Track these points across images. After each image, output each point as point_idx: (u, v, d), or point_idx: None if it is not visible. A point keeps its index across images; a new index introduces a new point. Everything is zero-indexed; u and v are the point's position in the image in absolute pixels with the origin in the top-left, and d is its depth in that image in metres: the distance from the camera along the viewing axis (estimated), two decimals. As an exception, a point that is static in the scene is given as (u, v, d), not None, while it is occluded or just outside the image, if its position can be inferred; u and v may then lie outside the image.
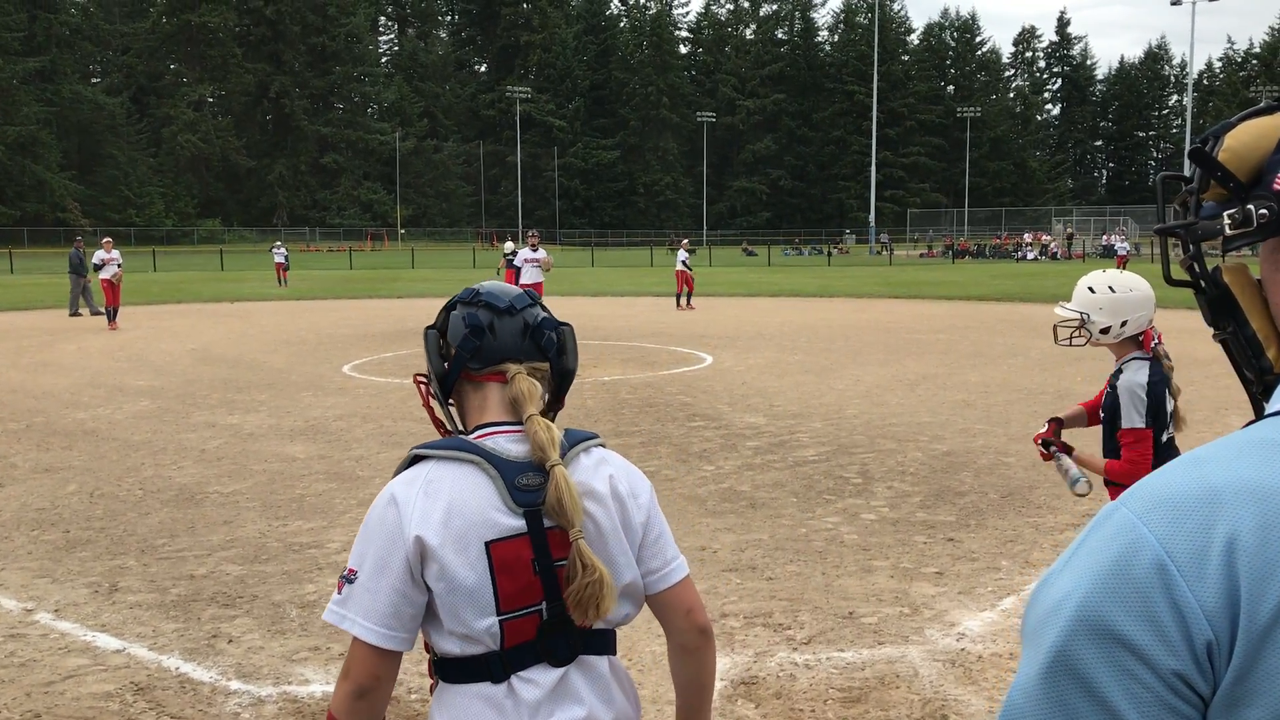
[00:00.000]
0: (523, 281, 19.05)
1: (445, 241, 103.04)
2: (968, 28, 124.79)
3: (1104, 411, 4.08)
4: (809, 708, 4.50)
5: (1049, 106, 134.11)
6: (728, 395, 12.89)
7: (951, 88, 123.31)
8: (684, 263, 27.84)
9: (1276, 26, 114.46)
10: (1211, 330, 1.07)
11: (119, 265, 23.65)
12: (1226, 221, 1.00)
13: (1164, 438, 4.01)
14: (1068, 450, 4.09)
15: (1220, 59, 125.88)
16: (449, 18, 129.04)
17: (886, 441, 10.00)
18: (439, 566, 1.77)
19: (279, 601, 5.84)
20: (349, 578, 1.82)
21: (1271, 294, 1.01)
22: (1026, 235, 74.49)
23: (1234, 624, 0.80)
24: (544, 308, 2.11)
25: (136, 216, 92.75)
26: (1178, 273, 1.12)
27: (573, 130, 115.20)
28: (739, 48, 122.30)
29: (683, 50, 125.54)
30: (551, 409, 2.09)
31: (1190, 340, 18.43)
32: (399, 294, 34.77)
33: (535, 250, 19.41)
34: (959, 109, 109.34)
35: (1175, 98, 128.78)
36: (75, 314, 26.09)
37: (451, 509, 1.79)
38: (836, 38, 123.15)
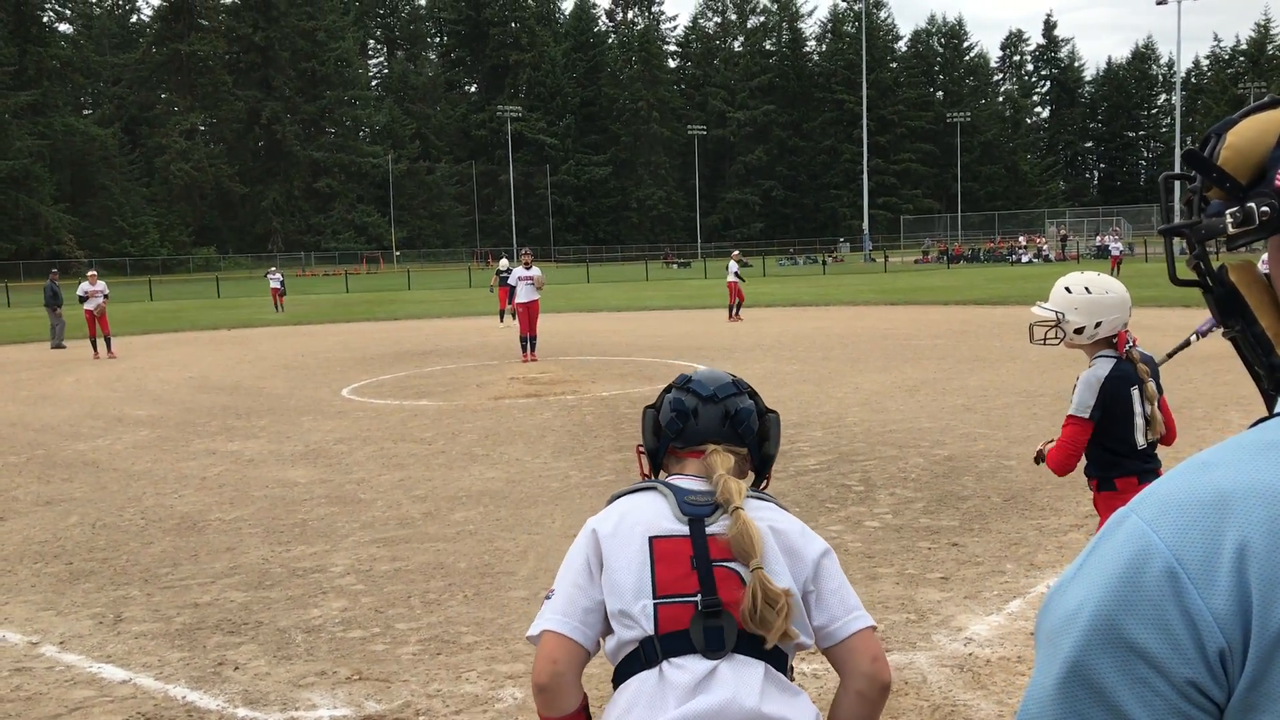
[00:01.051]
0: (518, 300, 18.94)
1: (440, 262, 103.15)
2: (955, 33, 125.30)
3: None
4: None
5: (1038, 109, 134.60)
6: (727, 407, 12.87)
7: (941, 93, 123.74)
8: (736, 274, 27.94)
9: (1262, 23, 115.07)
10: (1220, 329, 1.06)
11: (104, 296, 23.65)
12: (1229, 220, 0.99)
13: (1142, 442, 4.01)
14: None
15: (1207, 57, 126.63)
16: (438, 39, 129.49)
17: (887, 448, 10.00)
18: (608, 551, 2.04)
19: (284, 627, 5.82)
20: (547, 595, 2.11)
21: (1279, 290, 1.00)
22: (1021, 238, 74.64)
23: (1246, 630, 0.80)
24: (754, 395, 2.32)
25: (131, 246, 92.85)
26: (1184, 272, 1.11)
27: (564, 147, 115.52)
28: (727, 60, 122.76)
29: (671, 64, 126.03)
30: (753, 487, 2.27)
31: (1160, 337, 18.41)
32: (396, 316, 34.79)
33: (529, 269, 19.22)
34: (949, 114, 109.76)
35: (1164, 97, 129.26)
36: (58, 346, 26.01)
37: (625, 514, 2.09)
38: (824, 47, 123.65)
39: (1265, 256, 1.00)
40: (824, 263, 71.97)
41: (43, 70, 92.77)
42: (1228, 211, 1.00)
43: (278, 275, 40.34)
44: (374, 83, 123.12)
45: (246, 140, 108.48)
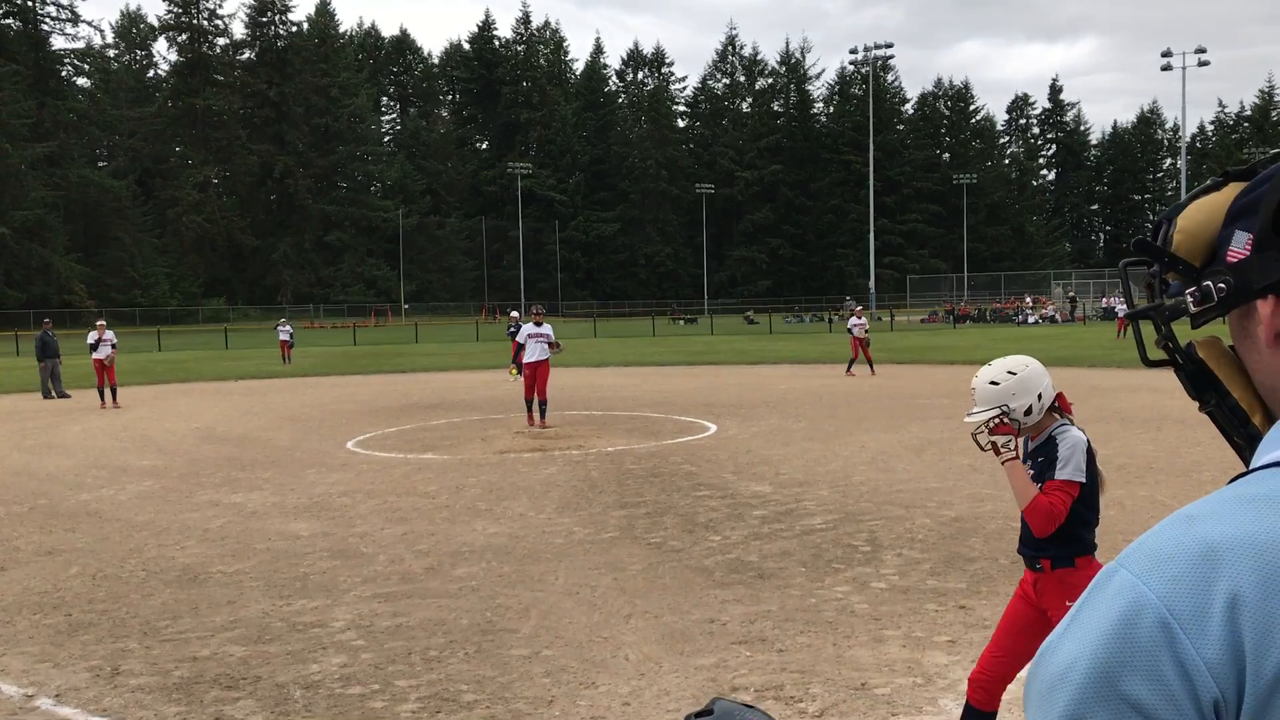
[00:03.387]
0: (526, 360, 17.39)
1: (449, 316, 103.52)
2: (962, 96, 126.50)
3: (1035, 475, 3.97)
4: (823, 783, 4.41)
5: (1044, 172, 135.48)
6: (733, 464, 12.84)
7: (947, 155, 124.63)
8: (865, 329, 28.12)
9: (1266, 89, 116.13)
10: (1197, 404, 1.08)
11: (113, 346, 23.75)
12: (1189, 299, 1.03)
13: (1098, 507, 3.96)
14: (1016, 455, 4.00)
15: (1212, 122, 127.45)
16: (450, 97, 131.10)
17: (894, 508, 9.93)
18: None
19: (282, 682, 5.76)
20: None
21: (1247, 362, 1.03)
22: (1029, 299, 74.75)
23: (1240, 679, 0.80)
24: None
25: (142, 297, 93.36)
26: (1154, 353, 1.14)
27: (573, 204, 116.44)
28: (736, 120, 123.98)
29: (680, 124, 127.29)
30: None
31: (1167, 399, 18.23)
32: (403, 369, 34.84)
33: (540, 325, 17.53)
34: (955, 176, 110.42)
35: (1169, 161, 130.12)
36: (48, 396, 26.02)
37: None
38: (832, 109, 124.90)
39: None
40: (830, 320, 72.11)
41: (59, 123, 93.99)
42: (1187, 292, 1.04)
43: (287, 327, 40.50)
44: (386, 138, 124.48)
45: (259, 193, 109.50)
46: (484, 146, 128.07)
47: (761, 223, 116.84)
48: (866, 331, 27.94)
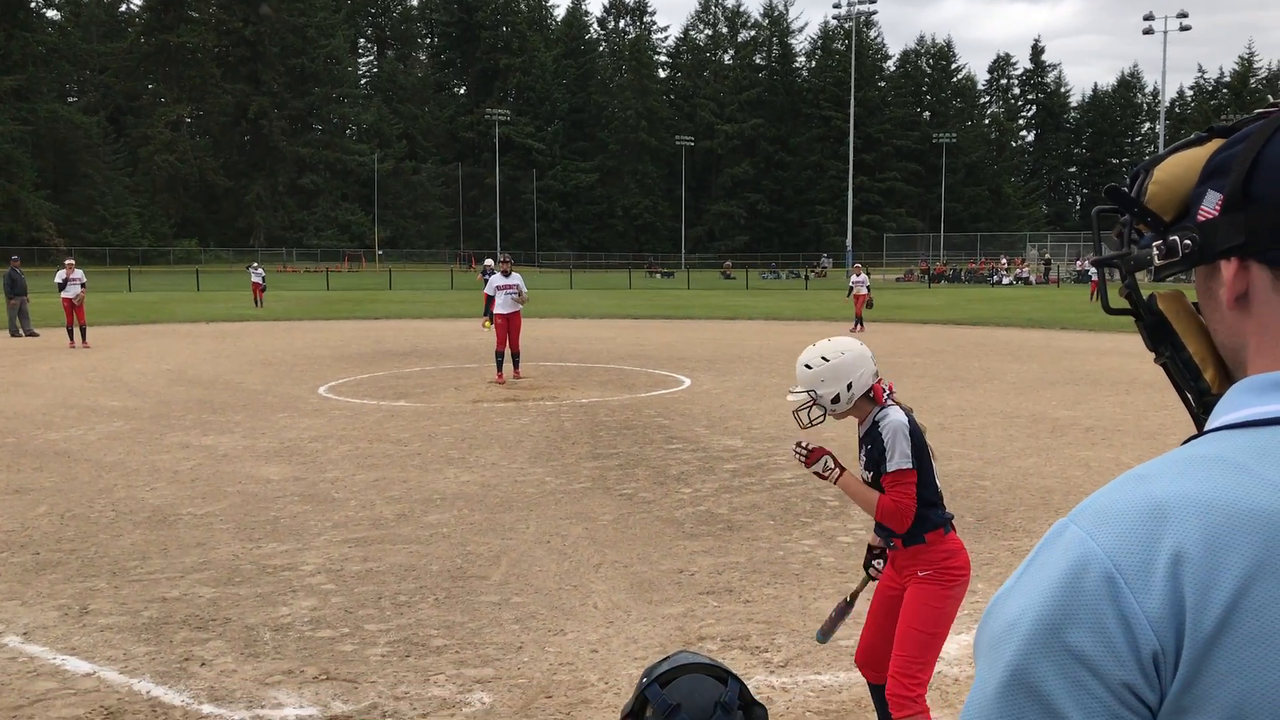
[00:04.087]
0: (496, 312, 16.73)
1: (423, 263, 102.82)
2: (944, 55, 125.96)
3: (868, 462, 4.00)
4: (786, 731, 4.49)
5: (1024, 133, 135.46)
6: (706, 418, 12.90)
7: (928, 114, 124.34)
8: (866, 286, 28.17)
9: (1245, 56, 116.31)
10: (1152, 355, 1.11)
11: (82, 285, 23.49)
12: (1155, 252, 1.05)
13: (935, 481, 3.98)
14: (841, 469, 4.03)
15: (1191, 87, 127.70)
16: (428, 40, 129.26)
17: (863, 464, 10.01)
18: None
19: (252, 624, 5.78)
20: None
21: (1209, 320, 1.05)
22: (1003, 260, 75.06)
23: (1180, 633, 0.83)
24: (739, 681, 2.18)
25: (112, 236, 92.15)
26: (1117, 301, 1.16)
27: (551, 153, 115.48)
28: (717, 73, 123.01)
29: (661, 75, 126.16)
30: None
31: (1137, 363, 18.43)
32: (376, 315, 34.67)
33: (508, 276, 16.79)
34: (935, 135, 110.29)
35: (1148, 125, 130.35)
36: (15, 334, 25.75)
37: None
38: (814, 64, 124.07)
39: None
40: (806, 277, 72.18)
41: (28, 55, 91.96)
42: (1154, 244, 1.05)
43: (259, 270, 40.18)
44: (363, 81, 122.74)
45: (232, 134, 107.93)
46: (462, 92, 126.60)
47: (740, 177, 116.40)
48: (868, 289, 28.04)
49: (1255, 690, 0.81)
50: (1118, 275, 1.12)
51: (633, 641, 5.49)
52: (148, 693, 4.90)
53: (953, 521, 3.96)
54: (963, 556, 3.87)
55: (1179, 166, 1.05)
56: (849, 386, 3.97)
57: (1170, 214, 1.04)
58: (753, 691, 4.94)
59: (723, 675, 2.16)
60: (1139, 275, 1.11)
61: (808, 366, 4.03)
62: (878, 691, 4.06)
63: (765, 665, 5.20)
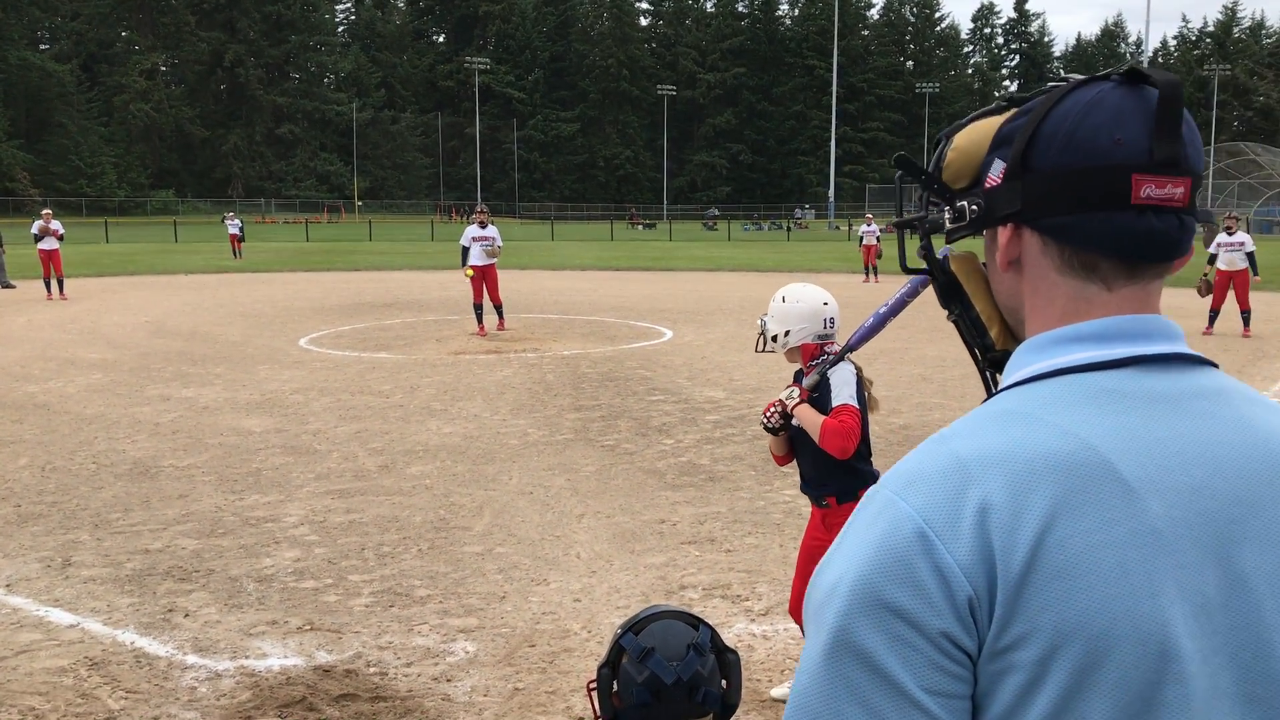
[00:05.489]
0: (472, 263, 16.48)
1: (403, 214, 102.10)
2: (927, 3, 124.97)
3: (812, 404, 4.01)
4: (767, 678, 4.55)
5: (1007, 82, 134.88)
6: (687, 369, 12.93)
7: (911, 63, 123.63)
8: (876, 236, 28.00)
9: (1230, 5, 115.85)
10: (945, 312, 1.18)
11: (60, 237, 23.25)
12: (946, 216, 1.12)
13: (869, 437, 4.04)
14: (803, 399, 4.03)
15: (1175, 37, 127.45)
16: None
17: (844, 415, 10.06)
18: None
19: (236, 575, 5.80)
20: None
21: (991, 281, 1.13)
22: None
23: (991, 577, 0.88)
24: (714, 640, 2.23)
25: (88, 187, 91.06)
26: (914, 261, 1.24)
27: (532, 102, 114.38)
28: (699, 21, 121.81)
29: (643, 23, 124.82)
30: None
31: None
32: (356, 267, 34.47)
33: (484, 228, 16.47)
34: (918, 85, 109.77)
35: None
36: (5, 285, 25.43)
37: None
38: (797, 11, 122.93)
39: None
40: (788, 229, 72.04)
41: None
42: (946, 209, 1.12)
43: (236, 221, 39.78)
44: (340, 29, 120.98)
45: (208, 83, 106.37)
46: (441, 40, 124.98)
47: (723, 127, 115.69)
48: (878, 239, 27.97)
49: (1066, 620, 0.86)
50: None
51: (615, 591, 5.54)
52: (132, 644, 4.92)
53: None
54: None
55: (976, 134, 1.10)
56: (787, 333, 4.14)
57: (966, 179, 1.09)
58: (734, 640, 5.00)
59: (694, 621, 2.19)
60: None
61: (775, 299, 4.20)
62: None
63: (746, 614, 5.26)
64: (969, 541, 0.88)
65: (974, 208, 1.07)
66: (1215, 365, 1.04)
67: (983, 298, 1.15)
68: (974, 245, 1.18)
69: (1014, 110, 1.07)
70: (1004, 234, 1.06)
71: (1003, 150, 1.04)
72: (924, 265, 1.20)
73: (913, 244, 1.27)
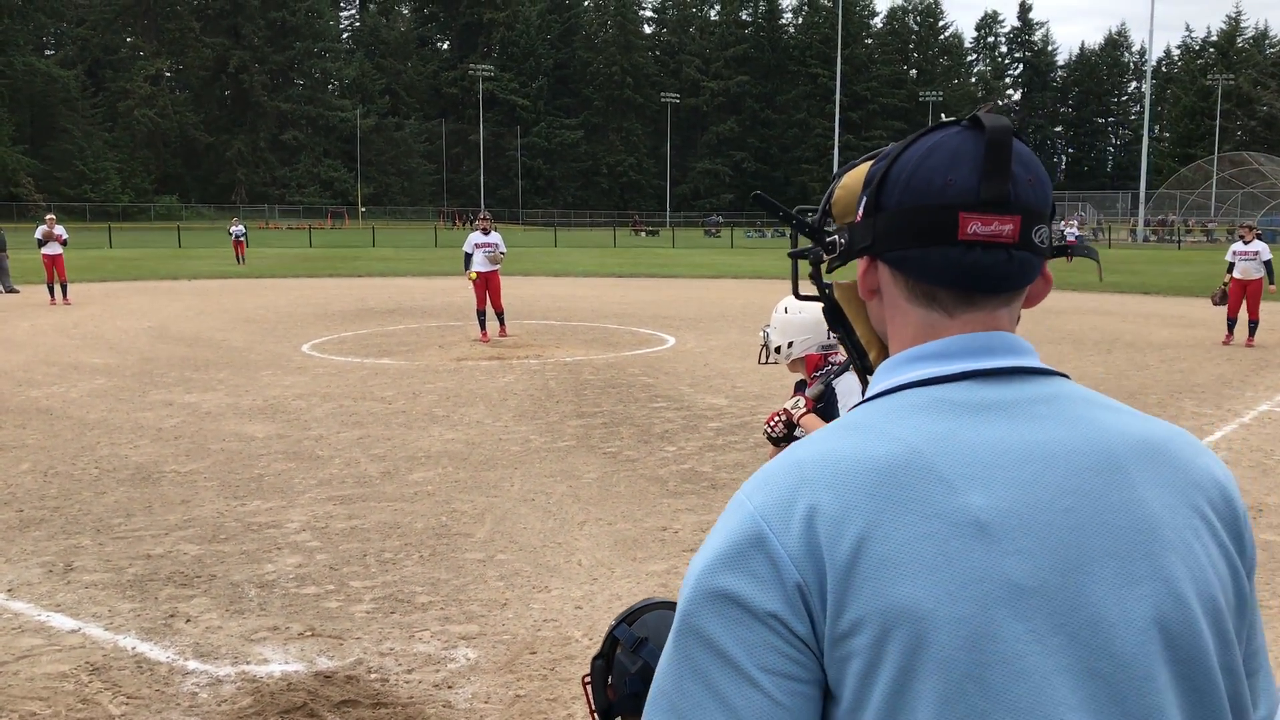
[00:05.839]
0: (475, 269, 16.48)
1: (407, 220, 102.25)
2: (931, 12, 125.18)
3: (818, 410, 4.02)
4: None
5: (1010, 91, 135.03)
6: (690, 376, 12.92)
7: (914, 72, 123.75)
8: None
9: (1233, 15, 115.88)
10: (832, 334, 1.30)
11: (63, 241, 23.31)
12: (823, 249, 1.25)
13: None
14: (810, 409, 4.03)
15: (1179, 46, 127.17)
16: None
17: (847, 423, 10.05)
18: None
19: (237, 581, 5.80)
20: None
21: (868, 308, 1.22)
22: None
23: (820, 568, 0.96)
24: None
25: (92, 192, 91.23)
26: (806, 288, 1.37)
27: (536, 109, 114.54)
28: (703, 29, 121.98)
29: (647, 30, 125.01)
30: None
31: (1145, 324, 18.76)
32: (359, 273, 34.49)
33: (487, 234, 16.48)
34: (921, 93, 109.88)
35: (1134, 84, 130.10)
36: (10, 290, 25.49)
37: None
38: (800, 20, 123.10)
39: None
40: (793, 237, 71.92)
41: (3, 7, 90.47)
42: (825, 242, 1.25)
43: (239, 227, 39.84)
44: (345, 35, 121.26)
45: (213, 89, 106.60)
46: (445, 47, 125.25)
47: (726, 135, 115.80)
48: None
49: (893, 605, 0.93)
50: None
51: (616, 599, 5.53)
52: (133, 649, 4.92)
53: None
54: None
55: (859, 174, 1.24)
56: (789, 345, 4.15)
57: (851, 215, 1.21)
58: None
59: None
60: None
61: (777, 310, 4.22)
62: None
63: (748, 621, 5.24)
64: (798, 534, 0.97)
65: (842, 241, 1.19)
66: (1065, 376, 1.10)
67: (862, 323, 1.29)
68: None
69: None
70: (862, 265, 1.16)
71: (866, 189, 1.14)
72: (813, 292, 1.33)
73: (804, 270, 1.43)
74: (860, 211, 1.14)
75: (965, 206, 1.04)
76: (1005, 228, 1.05)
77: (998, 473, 0.99)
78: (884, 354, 1.21)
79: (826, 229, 1.26)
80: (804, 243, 1.41)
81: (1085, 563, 0.97)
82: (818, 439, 1.05)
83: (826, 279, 1.34)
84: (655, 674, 1.02)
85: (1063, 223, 68.37)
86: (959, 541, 0.95)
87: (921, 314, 1.10)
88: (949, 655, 0.93)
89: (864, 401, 1.10)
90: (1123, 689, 0.95)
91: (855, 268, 1.21)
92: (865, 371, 1.27)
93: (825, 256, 1.24)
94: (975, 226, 1.04)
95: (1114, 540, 0.98)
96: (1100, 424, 1.04)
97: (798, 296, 1.43)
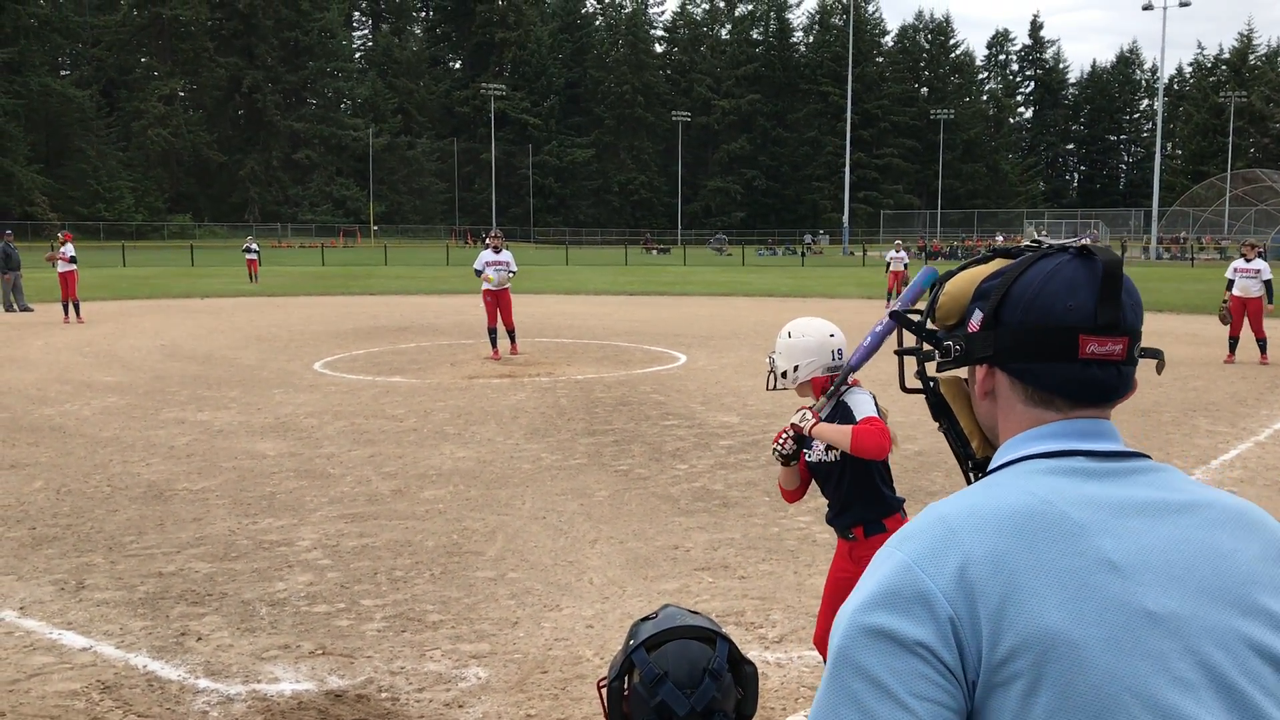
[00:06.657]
0: (486, 287, 16.36)
1: (419, 238, 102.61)
2: (942, 30, 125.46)
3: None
4: (781, 707, 4.51)
5: (1021, 109, 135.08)
6: (701, 394, 12.90)
7: (925, 90, 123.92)
8: (905, 264, 28.27)
9: (1245, 33, 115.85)
10: (937, 424, 1.45)
11: (72, 259, 23.48)
12: (938, 352, 1.38)
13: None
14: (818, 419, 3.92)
15: (1191, 64, 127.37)
16: (423, 14, 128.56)
17: (859, 441, 10.01)
18: None
19: (248, 599, 5.79)
20: None
21: (973, 402, 1.38)
22: (999, 237, 74.91)
23: (971, 601, 1.07)
24: (731, 653, 2.20)
25: (106, 211, 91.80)
26: (911, 382, 1.50)
27: (547, 128, 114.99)
28: (714, 48, 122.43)
29: (658, 49, 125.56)
30: None
31: (1159, 341, 18.63)
32: (371, 291, 34.60)
33: (499, 252, 16.42)
34: (932, 111, 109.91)
35: (1146, 102, 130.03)
36: (9, 310, 25.62)
37: None
38: (811, 39, 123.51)
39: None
40: (803, 254, 72.06)
41: (20, 28, 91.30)
42: (939, 346, 1.38)
43: (253, 245, 39.99)
44: (357, 55, 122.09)
45: (226, 108, 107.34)
46: (457, 66, 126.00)
47: (737, 153, 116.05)
48: (906, 266, 28.10)
49: (1046, 631, 1.05)
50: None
51: (628, 617, 5.50)
52: (144, 667, 4.91)
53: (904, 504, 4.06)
54: None
55: (963, 282, 1.35)
56: (795, 368, 4.10)
57: (954, 319, 1.36)
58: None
59: (711, 636, 2.14)
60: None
61: (781, 334, 4.17)
62: None
63: (760, 641, 5.22)
64: (951, 576, 1.08)
65: (958, 347, 1.33)
66: (1148, 456, 1.26)
67: (966, 415, 1.41)
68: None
69: (1002, 260, 1.33)
70: (980, 371, 1.31)
71: (982, 303, 1.29)
72: (919, 386, 1.46)
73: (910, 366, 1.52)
74: (977, 322, 1.29)
75: (1085, 329, 1.21)
76: (1117, 348, 1.22)
77: (1119, 522, 1.13)
78: (985, 443, 1.38)
79: (931, 329, 1.41)
80: (908, 339, 1.54)
81: (1202, 596, 1.11)
82: (956, 497, 1.18)
83: (930, 374, 1.47)
84: (813, 705, 1.12)
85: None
86: (1096, 576, 1.08)
87: (1037, 414, 1.26)
88: (1101, 672, 1.04)
89: (990, 472, 1.26)
90: (1241, 699, 1.07)
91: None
92: (968, 457, 1.41)
93: (939, 359, 1.38)
94: (1093, 347, 1.21)
95: (1222, 580, 1.13)
96: (1197, 492, 1.20)
97: (904, 390, 1.55)
